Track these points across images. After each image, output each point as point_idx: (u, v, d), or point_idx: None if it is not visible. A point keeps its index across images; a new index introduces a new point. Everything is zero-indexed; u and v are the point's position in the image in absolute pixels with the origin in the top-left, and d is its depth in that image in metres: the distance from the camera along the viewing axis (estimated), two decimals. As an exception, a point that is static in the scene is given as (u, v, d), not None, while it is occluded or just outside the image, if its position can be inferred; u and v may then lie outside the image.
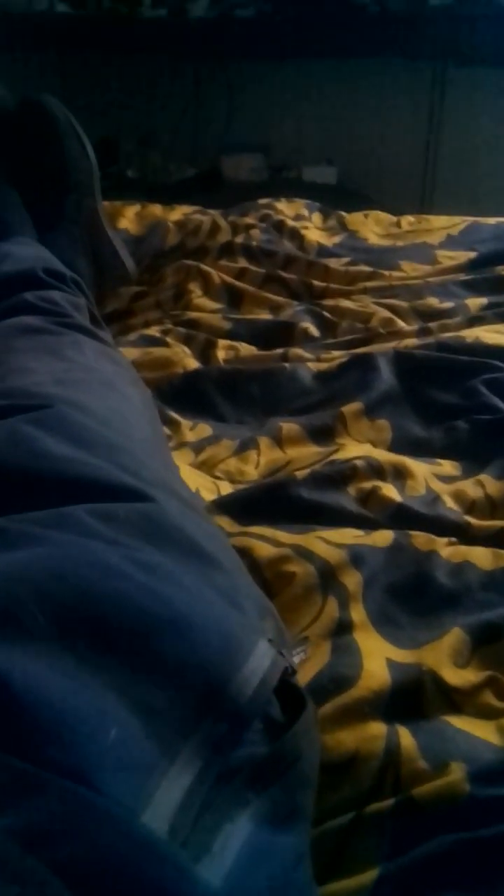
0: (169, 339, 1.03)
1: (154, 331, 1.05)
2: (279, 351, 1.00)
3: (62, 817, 0.30)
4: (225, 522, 0.68)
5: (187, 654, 0.39)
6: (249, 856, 0.34)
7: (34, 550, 0.43)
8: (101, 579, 0.41)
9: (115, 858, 0.29)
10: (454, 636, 0.55)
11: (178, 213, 1.42)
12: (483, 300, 1.09)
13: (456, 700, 0.51)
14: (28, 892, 0.26)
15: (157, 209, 1.44)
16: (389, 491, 0.71)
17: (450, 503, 0.70)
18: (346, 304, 1.12)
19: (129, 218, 1.40)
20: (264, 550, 0.63)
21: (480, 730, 0.49)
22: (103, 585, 0.41)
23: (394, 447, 0.82)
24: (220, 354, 1.01)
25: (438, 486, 0.73)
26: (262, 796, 0.37)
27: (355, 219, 1.41)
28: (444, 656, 0.53)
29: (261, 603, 0.49)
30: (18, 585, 0.39)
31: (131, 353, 0.98)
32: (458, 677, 0.52)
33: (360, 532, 0.65)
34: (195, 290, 1.16)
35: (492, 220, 1.35)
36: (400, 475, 0.74)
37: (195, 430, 0.88)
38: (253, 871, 0.34)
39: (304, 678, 0.51)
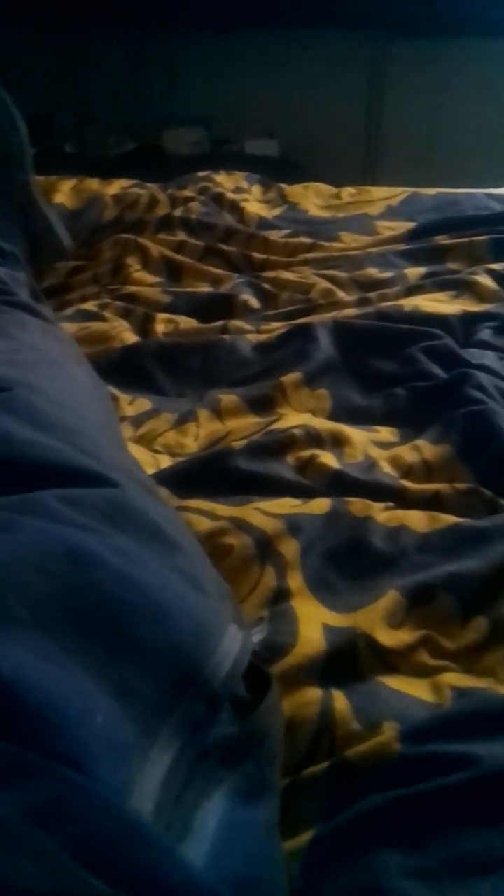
0: (106, 314, 1.01)
1: (91, 305, 1.04)
2: (219, 323, 1.00)
3: (56, 801, 0.30)
4: (164, 496, 0.68)
5: (163, 639, 0.40)
6: (226, 832, 0.36)
7: (9, 537, 0.43)
8: (78, 567, 0.41)
9: (106, 842, 0.30)
10: (389, 598, 0.55)
11: (116, 186, 1.40)
12: (422, 270, 1.09)
13: (391, 661, 0.52)
14: (39, 864, 0.27)
15: (93, 183, 1.41)
16: (327, 458, 0.71)
17: (387, 468, 0.70)
18: (286, 275, 1.11)
19: (64, 192, 1.37)
20: (202, 524, 0.63)
21: (414, 688, 0.49)
22: (80, 573, 0.41)
23: (333, 416, 0.82)
24: (160, 328, 1.00)
25: (376, 453, 0.73)
26: (234, 773, 0.38)
27: (295, 191, 1.41)
28: (379, 618, 0.53)
29: (219, 585, 0.50)
30: None
31: (68, 328, 0.96)
32: (393, 638, 0.52)
33: (297, 501, 0.65)
34: (133, 264, 1.15)
35: (431, 191, 1.35)
36: (338, 443, 0.74)
37: (134, 404, 0.87)
38: (231, 847, 0.36)
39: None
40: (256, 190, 1.42)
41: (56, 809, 0.30)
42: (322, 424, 0.76)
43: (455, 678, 0.50)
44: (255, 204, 1.34)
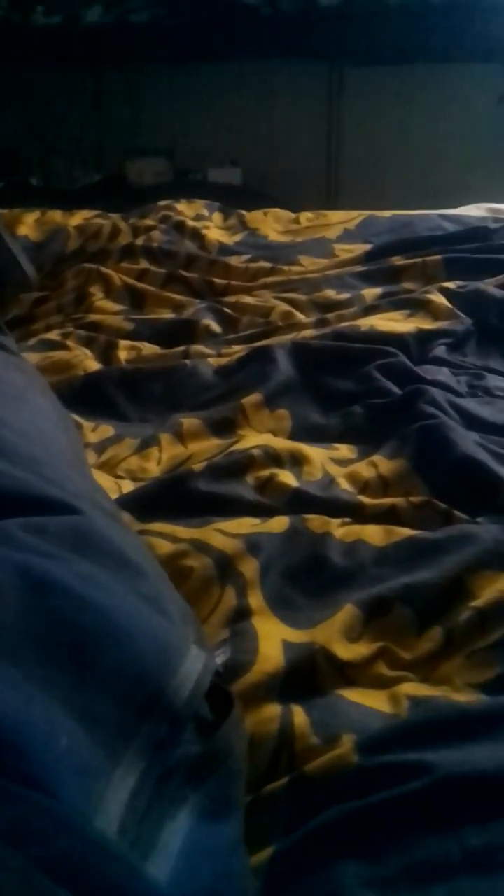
0: (69, 343, 1.02)
1: (54, 335, 1.04)
2: (181, 348, 1.01)
3: (24, 823, 0.31)
4: (126, 520, 0.68)
5: (126, 663, 0.41)
6: (191, 849, 0.37)
7: None
8: (42, 594, 0.42)
9: (73, 861, 0.31)
10: (346, 612, 0.56)
11: (79, 217, 1.41)
12: (378, 290, 1.11)
13: (349, 673, 0.52)
14: (10, 877, 0.28)
15: (57, 215, 1.42)
16: (286, 477, 0.72)
17: (345, 485, 0.71)
18: (246, 299, 1.13)
19: (28, 225, 1.38)
20: (163, 547, 0.63)
21: (372, 700, 0.50)
22: (43, 600, 0.42)
23: (294, 435, 0.83)
24: (122, 355, 1.01)
25: (335, 470, 0.74)
26: (198, 792, 0.39)
27: (255, 217, 1.43)
28: (336, 632, 0.54)
29: (182, 608, 0.51)
30: None
31: (31, 358, 0.97)
32: (350, 651, 0.53)
33: (256, 520, 0.66)
34: (96, 292, 1.16)
35: (386, 213, 1.38)
36: (297, 462, 0.75)
37: (97, 430, 0.87)
38: (195, 864, 0.36)
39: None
40: (217, 217, 1.44)
41: (24, 830, 0.31)
42: (281, 444, 0.77)
43: (412, 688, 0.51)
44: (215, 231, 1.36)
